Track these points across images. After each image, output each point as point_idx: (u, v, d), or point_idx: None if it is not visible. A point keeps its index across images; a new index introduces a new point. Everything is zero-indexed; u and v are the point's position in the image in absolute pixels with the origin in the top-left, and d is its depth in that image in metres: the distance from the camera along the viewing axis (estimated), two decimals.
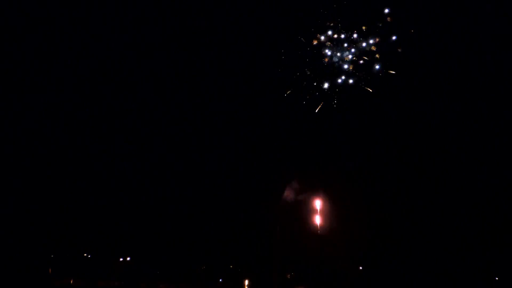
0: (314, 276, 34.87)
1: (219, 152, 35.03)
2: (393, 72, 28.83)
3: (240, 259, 35.45)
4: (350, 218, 32.17)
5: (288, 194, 35.46)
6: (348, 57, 23.92)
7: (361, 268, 32.97)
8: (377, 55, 25.79)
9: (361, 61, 26.33)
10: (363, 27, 24.29)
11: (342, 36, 25.09)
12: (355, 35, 25.25)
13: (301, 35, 27.01)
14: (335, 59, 25.76)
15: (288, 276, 36.57)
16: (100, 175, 32.47)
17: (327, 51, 26.40)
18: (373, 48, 24.54)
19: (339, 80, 26.13)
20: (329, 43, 25.25)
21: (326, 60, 24.98)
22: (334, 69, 26.13)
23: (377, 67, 26.57)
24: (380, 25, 24.74)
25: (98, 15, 32.64)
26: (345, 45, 26.06)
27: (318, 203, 34.67)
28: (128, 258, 34.85)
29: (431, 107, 31.67)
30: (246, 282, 36.13)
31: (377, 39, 24.20)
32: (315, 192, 34.94)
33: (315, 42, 24.99)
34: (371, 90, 28.43)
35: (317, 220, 34.49)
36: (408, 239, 29.15)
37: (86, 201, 33.08)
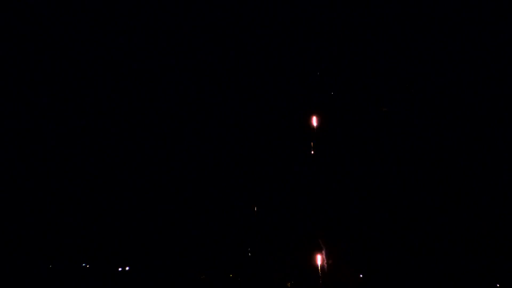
0: (315, 284, 34.64)
1: (218, 158, 34.68)
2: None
3: (241, 268, 35.18)
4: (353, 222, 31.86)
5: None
6: None
7: (361, 276, 32.66)
8: None
9: None
10: None
11: None
12: None
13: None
14: None
15: (289, 284, 36.40)
16: (98, 181, 32.07)
17: None
18: None
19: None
20: None
21: None
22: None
23: None
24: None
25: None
26: None
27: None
28: (127, 268, 34.39)
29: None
30: None
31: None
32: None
33: None
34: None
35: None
36: (409, 243, 28.74)
37: (83, 210, 32.73)
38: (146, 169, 28.78)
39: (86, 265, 25.50)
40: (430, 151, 21.29)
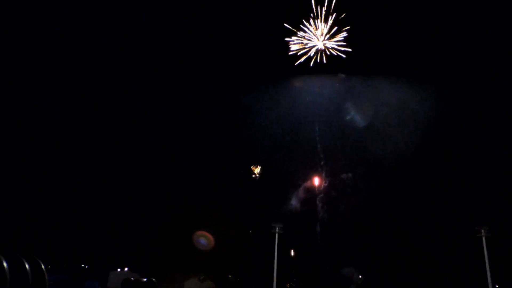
0: (314, 284, 34.57)
1: (216, 162, 34.81)
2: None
3: (239, 268, 35.27)
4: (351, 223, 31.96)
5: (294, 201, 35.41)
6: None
7: (360, 276, 32.78)
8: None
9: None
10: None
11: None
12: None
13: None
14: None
15: (288, 285, 36.35)
16: (97, 185, 32.35)
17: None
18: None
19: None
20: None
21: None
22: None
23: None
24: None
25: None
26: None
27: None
28: (126, 269, 34.61)
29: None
30: None
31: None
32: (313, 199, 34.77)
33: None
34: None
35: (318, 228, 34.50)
36: (408, 244, 28.94)
37: (83, 212, 32.91)
38: (145, 171, 27.94)
39: (85, 266, 24.97)
40: (430, 153, 20.90)
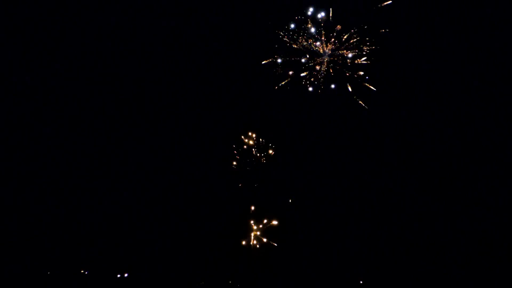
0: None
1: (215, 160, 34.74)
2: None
3: (240, 274, 34.98)
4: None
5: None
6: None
7: (361, 282, 32.41)
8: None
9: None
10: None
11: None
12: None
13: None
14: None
15: None
16: (97, 187, 32.13)
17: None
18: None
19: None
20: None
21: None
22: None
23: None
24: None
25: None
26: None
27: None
28: (126, 275, 34.13)
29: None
30: None
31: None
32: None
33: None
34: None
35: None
36: (408, 246, 28.53)
37: (81, 216, 32.67)
38: (144, 175, 27.74)
39: (85, 272, 24.82)
40: (429, 152, 20.84)
